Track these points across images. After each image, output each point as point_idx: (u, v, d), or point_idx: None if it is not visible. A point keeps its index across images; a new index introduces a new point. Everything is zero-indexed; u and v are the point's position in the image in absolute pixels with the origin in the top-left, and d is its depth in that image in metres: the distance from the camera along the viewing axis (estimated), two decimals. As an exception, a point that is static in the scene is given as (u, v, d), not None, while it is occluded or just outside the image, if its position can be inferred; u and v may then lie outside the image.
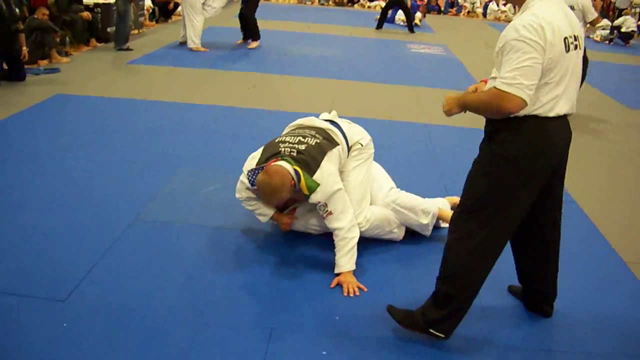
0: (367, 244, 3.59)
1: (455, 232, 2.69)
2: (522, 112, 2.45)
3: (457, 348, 2.80)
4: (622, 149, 6.18)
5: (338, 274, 3.26)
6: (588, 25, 7.18)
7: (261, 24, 10.52)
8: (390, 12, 15.34)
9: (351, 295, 3.15)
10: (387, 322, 2.88)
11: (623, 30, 15.56)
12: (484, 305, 3.14)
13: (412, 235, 3.76)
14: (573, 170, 5.24)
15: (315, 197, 3.21)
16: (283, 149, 3.29)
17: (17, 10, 7.14)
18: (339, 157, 3.42)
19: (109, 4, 9.93)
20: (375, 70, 9.42)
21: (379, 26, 14.52)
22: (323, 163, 3.25)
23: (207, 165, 4.78)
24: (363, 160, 3.56)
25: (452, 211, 3.83)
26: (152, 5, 12.51)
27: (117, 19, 9.34)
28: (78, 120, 5.71)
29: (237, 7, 10.93)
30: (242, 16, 10.37)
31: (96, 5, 9.93)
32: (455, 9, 21.61)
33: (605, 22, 16.26)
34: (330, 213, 3.24)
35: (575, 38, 2.50)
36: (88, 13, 9.47)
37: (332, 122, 3.61)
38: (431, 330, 2.74)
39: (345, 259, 3.24)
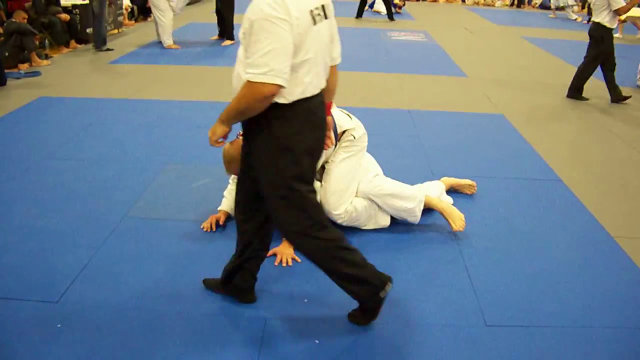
0: (357, 235, 3.65)
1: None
2: (291, 98, 2.36)
3: (446, 327, 2.85)
4: (603, 126, 6.24)
5: None
6: (619, 17, 6.99)
7: (240, 19, 10.46)
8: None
9: (283, 265, 3.27)
10: (386, 308, 2.92)
11: None
12: (476, 287, 3.18)
13: (399, 224, 3.80)
14: (556, 149, 5.33)
15: None
16: None
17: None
18: None
19: (87, 4, 9.84)
20: (357, 59, 9.42)
21: (359, 15, 14.52)
22: None
23: (195, 160, 4.78)
24: (353, 153, 3.58)
25: (437, 198, 3.90)
26: (130, 4, 12.42)
27: (94, 20, 9.29)
28: (63, 122, 5.68)
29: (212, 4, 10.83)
30: (218, 12, 10.34)
31: (74, 6, 9.84)
32: (434, -6, 21.63)
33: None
34: None
35: (323, 8, 2.41)
36: (66, 15, 9.41)
37: None
38: (382, 296, 2.71)
39: None
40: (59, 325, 2.74)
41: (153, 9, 9.62)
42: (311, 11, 2.32)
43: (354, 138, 3.57)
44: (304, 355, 2.63)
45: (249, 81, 2.27)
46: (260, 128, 2.44)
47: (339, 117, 3.59)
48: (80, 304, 2.91)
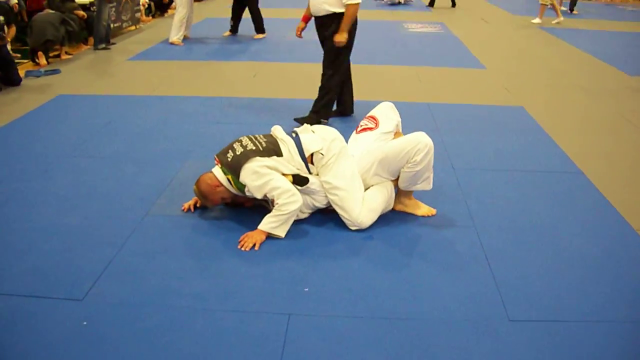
0: (377, 230, 3.66)
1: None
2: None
3: (469, 322, 2.84)
4: (626, 117, 6.16)
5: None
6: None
7: (269, 13, 10.47)
8: None
9: (243, 249, 3.42)
10: (409, 302, 2.93)
11: None
12: (498, 281, 3.17)
13: (418, 219, 3.81)
14: (578, 141, 5.28)
15: (250, 193, 3.57)
16: (229, 153, 3.65)
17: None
18: (278, 164, 3.58)
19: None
20: (374, 51, 9.39)
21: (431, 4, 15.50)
22: (246, 165, 3.53)
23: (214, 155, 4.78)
24: (332, 163, 3.66)
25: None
26: (147, 0, 12.47)
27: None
28: (82, 120, 5.72)
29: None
30: (239, 7, 10.31)
31: (91, 4, 9.87)
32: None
33: None
34: (274, 200, 3.55)
35: None
36: (83, 12, 9.46)
37: (297, 134, 3.77)
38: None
39: (266, 220, 3.53)
40: (85, 323, 2.78)
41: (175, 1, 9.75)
42: None
43: (322, 155, 3.66)
44: (327, 353, 2.64)
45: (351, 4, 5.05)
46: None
47: (305, 140, 3.71)
48: (105, 301, 2.95)
